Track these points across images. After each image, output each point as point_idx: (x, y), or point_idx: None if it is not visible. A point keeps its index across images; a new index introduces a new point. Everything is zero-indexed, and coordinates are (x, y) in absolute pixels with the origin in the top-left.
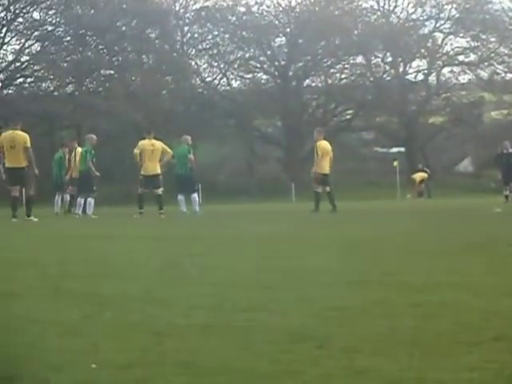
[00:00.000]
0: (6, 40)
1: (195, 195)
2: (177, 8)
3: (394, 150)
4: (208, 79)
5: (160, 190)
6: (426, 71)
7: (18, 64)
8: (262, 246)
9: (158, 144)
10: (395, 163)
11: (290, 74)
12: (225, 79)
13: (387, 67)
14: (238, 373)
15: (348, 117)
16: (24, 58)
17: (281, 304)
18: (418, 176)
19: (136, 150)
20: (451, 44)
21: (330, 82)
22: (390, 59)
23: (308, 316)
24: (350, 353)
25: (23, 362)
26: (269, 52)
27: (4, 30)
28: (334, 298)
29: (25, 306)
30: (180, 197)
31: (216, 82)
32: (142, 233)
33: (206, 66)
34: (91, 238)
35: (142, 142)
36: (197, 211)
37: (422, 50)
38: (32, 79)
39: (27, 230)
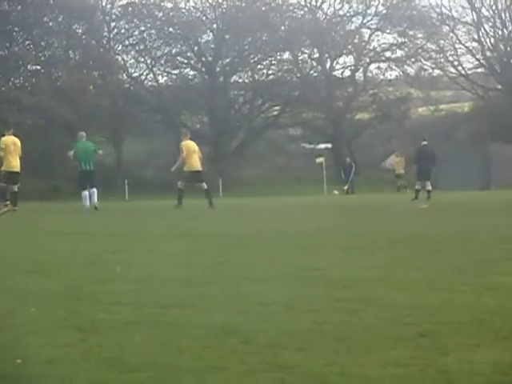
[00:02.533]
0: None
1: (95, 190)
2: (103, 3)
3: (321, 146)
4: (135, 75)
5: (17, 187)
6: (352, 67)
7: None
8: (187, 242)
9: (18, 141)
10: (318, 160)
11: (217, 69)
12: (152, 75)
13: (314, 63)
14: (162, 369)
15: (275, 113)
16: None
17: (205, 300)
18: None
19: (1, 153)
20: (378, 40)
21: (256, 78)
22: (316, 55)
23: (233, 312)
24: (274, 348)
25: None
26: (196, 48)
27: None
28: (260, 294)
29: None
30: (84, 192)
31: (143, 77)
32: (64, 228)
33: (132, 61)
34: (12, 232)
35: (4, 139)
36: (96, 205)
37: (349, 46)
38: None
39: None
